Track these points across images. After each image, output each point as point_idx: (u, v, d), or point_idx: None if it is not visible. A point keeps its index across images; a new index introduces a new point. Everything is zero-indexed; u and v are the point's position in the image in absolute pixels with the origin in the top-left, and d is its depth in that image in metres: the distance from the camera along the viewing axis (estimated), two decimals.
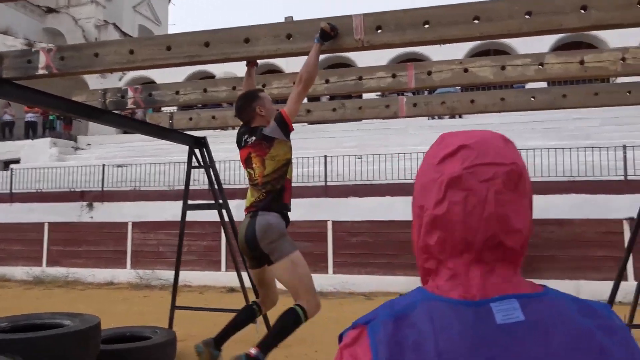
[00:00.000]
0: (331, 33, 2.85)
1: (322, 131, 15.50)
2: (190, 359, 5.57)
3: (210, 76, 19.09)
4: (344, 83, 4.07)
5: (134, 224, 12.40)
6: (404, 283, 10.63)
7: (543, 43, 14.46)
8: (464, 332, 0.70)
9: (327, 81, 4.13)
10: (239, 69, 18.61)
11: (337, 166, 12.89)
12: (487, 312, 0.72)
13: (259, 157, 3.22)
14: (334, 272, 11.10)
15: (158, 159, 15.12)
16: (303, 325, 7.60)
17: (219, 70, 18.52)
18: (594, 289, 9.63)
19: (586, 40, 17.57)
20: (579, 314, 0.73)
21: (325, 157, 12.87)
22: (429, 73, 3.88)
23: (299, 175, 12.83)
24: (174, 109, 11.39)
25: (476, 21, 2.70)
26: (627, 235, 9.84)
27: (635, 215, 9.64)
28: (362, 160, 13.06)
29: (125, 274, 12.12)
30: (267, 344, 3.23)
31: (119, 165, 14.98)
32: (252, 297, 7.06)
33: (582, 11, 2.56)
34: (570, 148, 11.75)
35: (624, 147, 11.04)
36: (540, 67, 3.68)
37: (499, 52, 17.63)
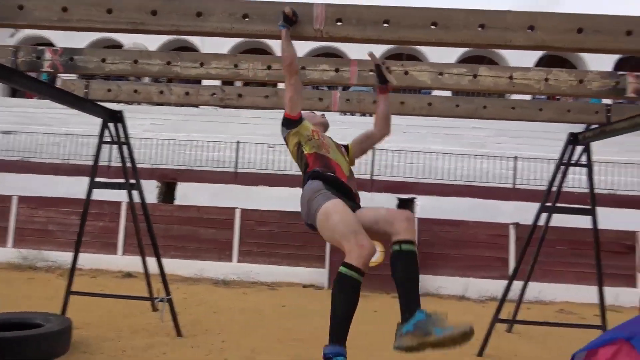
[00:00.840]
0: (293, 18, 2.78)
1: (237, 117, 15.19)
2: (85, 348, 5.20)
3: (117, 45, 17.83)
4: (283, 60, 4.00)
5: (20, 199, 11.26)
6: (307, 274, 10.79)
7: (450, 53, 15.36)
8: None
9: (269, 67, 4.04)
10: (151, 42, 17.53)
11: (249, 153, 12.71)
12: None
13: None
14: (239, 261, 10.95)
15: (51, 129, 13.86)
16: (208, 315, 7.43)
17: (127, 40, 17.36)
18: (481, 287, 10.48)
19: (488, 55, 18.96)
20: None
21: (238, 143, 12.63)
22: (372, 71, 3.95)
23: (209, 159, 12.48)
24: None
25: (433, 27, 2.79)
26: (512, 238, 10.83)
27: (520, 221, 10.68)
28: (274, 149, 12.99)
29: (6, 253, 10.98)
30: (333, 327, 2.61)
31: (5, 132, 13.50)
32: (155, 284, 6.78)
33: (530, 31, 2.75)
34: (468, 155, 12.63)
35: (515, 158, 12.10)
36: (473, 78, 3.90)
37: (411, 57, 18.43)
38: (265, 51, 18.28)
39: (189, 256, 10.92)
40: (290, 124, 3.19)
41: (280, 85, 5.99)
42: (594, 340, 0.87)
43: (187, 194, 12.00)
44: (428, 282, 10.60)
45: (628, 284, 10.69)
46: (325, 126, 3.50)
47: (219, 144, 13.00)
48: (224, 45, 17.53)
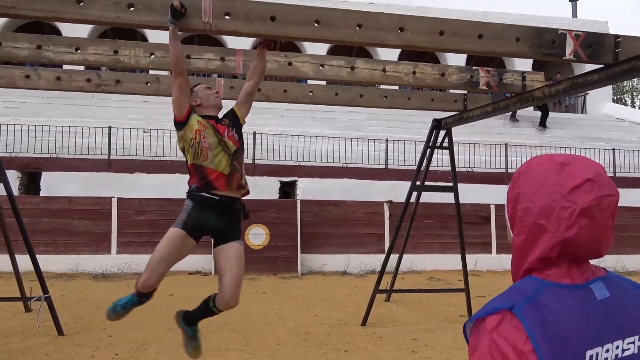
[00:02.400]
0: (182, 11, 2.80)
1: (106, 99, 14.23)
2: None
3: None
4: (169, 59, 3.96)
5: None
6: (194, 261, 10.67)
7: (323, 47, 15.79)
8: (581, 307, 0.94)
9: (151, 54, 3.96)
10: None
11: (123, 139, 12.07)
12: (589, 292, 0.96)
13: None
14: (119, 253, 10.47)
15: None
16: (90, 310, 7.08)
17: None
18: (361, 262, 11.21)
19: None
20: (632, 287, 1.02)
21: (110, 128, 11.93)
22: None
23: (77, 146, 11.64)
24: None
25: (316, 24, 3.00)
26: (387, 215, 11.69)
27: (393, 199, 11.55)
28: (149, 134, 12.49)
29: None
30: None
31: None
32: (27, 285, 6.29)
33: (400, 32, 3.07)
34: (344, 138, 13.27)
35: (387, 140, 12.97)
36: (351, 70, 4.20)
37: (292, 45, 18.64)
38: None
39: (61, 251, 10.19)
40: (177, 125, 3.28)
41: (163, 72, 5.87)
42: (481, 310, 0.98)
43: (54, 185, 11.11)
44: (312, 260, 11.09)
45: (485, 251, 12.15)
46: (218, 107, 3.57)
47: (88, 129, 12.17)
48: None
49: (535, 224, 0.99)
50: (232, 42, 14.87)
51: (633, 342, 0.94)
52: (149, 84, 4.86)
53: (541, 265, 1.00)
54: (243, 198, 3.51)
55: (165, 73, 5.05)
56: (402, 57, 16.72)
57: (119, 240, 10.57)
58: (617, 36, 3.43)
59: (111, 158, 11.74)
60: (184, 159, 12.48)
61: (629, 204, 12.95)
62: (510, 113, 16.81)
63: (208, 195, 3.33)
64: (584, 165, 1.00)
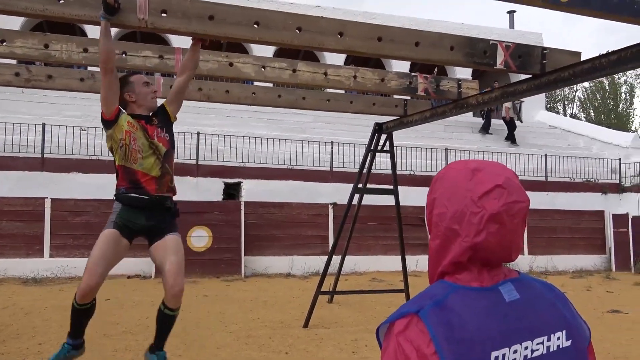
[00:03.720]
0: (115, 5, 2.71)
1: (40, 95, 13.54)
2: None
3: None
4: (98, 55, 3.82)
5: None
6: (132, 265, 10.33)
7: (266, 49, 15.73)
8: (489, 310, 0.95)
9: (85, 50, 3.81)
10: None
11: (58, 137, 11.52)
12: (498, 294, 0.98)
13: None
14: (52, 256, 9.98)
15: None
16: (19, 317, 6.72)
17: None
18: (305, 263, 11.24)
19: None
20: (543, 289, 1.04)
21: (44, 125, 11.35)
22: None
23: (8, 143, 11.02)
24: None
25: (256, 26, 2.99)
26: (331, 217, 11.78)
27: (337, 201, 11.66)
28: (87, 132, 11.99)
29: None
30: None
31: None
32: None
33: (339, 36, 3.11)
34: (290, 139, 13.27)
35: (332, 143, 13.08)
36: (293, 72, 4.21)
37: (235, 45, 18.42)
38: None
39: None
40: (106, 124, 3.18)
41: (92, 68, 5.65)
42: (393, 314, 1.00)
43: None
44: (256, 263, 11.01)
45: (425, 252, 12.46)
46: (151, 109, 3.47)
47: (19, 125, 11.53)
48: None
49: (448, 228, 1.01)
50: (178, 40, 14.54)
51: (542, 343, 0.96)
52: (83, 80, 4.68)
53: (453, 269, 1.02)
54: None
55: (97, 69, 4.87)
56: (347, 62, 16.91)
57: (53, 243, 10.08)
58: (544, 48, 3.63)
59: (45, 157, 11.18)
60: None
61: (560, 206, 13.70)
62: (481, 126, 17.43)
63: (137, 195, 3.27)
64: (495, 172, 1.02)
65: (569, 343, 0.99)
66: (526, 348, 0.95)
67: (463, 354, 0.90)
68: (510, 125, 16.61)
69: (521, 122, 18.11)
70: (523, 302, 0.99)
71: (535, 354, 0.95)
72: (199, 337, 5.86)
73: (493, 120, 18.71)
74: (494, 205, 0.97)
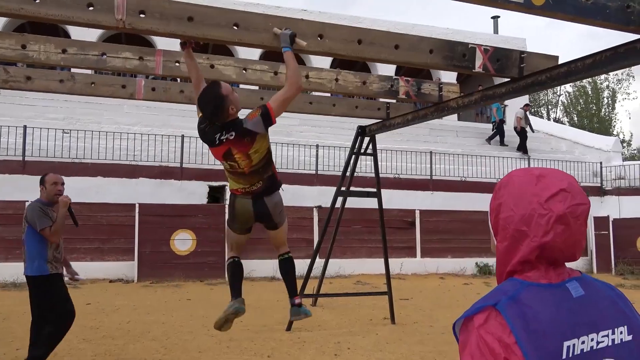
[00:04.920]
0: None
1: (22, 97, 13.35)
2: None
3: None
4: (84, 57, 3.79)
5: None
6: (115, 269, 10.23)
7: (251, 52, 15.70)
8: (558, 304, 1.04)
9: (64, 51, 3.77)
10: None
11: (40, 140, 11.37)
12: (565, 290, 1.07)
13: (242, 152, 3.21)
14: None
15: None
16: (2, 322, 6.58)
17: None
18: None
19: None
20: (604, 288, 1.13)
21: (25, 127, 11.20)
22: (177, 62, 3.98)
23: None
24: None
25: (236, 27, 2.98)
26: (316, 220, 11.77)
27: (322, 204, 11.66)
28: (69, 135, 11.85)
29: None
30: (296, 289, 3.92)
31: None
32: None
33: (319, 39, 3.12)
34: (275, 143, 13.24)
35: (317, 146, 13.09)
36: (274, 74, 4.21)
37: (219, 47, 18.33)
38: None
39: None
40: (269, 127, 3.28)
41: (75, 70, 5.60)
42: (469, 309, 1.06)
43: None
44: None
45: (409, 255, 12.54)
46: None
47: (0, 128, 11.36)
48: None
49: (516, 230, 1.09)
50: (162, 42, 14.45)
51: (607, 336, 1.05)
52: (63, 82, 4.62)
53: (522, 268, 1.10)
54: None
55: (80, 71, 4.83)
56: (333, 66, 16.96)
57: None
58: (521, 52, 3.68)
59: (26, 159, 11.02)
60: (107, 161, 11.94)
61: None
62: (490, 137, 17.30)
63: None
64: (558, 177, 1.12)
65: (630, 337, 1.08)
66: (592, 340, 1.03)
67: (539, 344, 0.99)
68: (522, 135, 16.50)
69: (532, 131, 17.68)
70: (588, 298, 1.07)
71: (601, 345, 1.04)
72: (180, 340, 5.81)
73: (478, 125, 18.88)
74: (560, 208, 1.07)
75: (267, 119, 3.17)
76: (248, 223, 3.73)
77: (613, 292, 1.13)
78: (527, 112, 17.29)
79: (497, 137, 17.14)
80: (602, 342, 1.04)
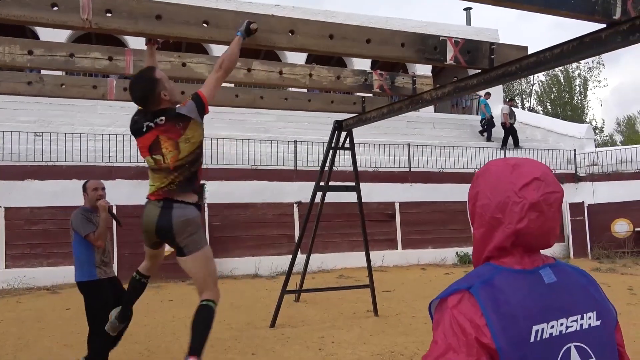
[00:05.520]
0: (253, 31, 2.97)
1: None
2: None
3: None
4: (51, 58, 3.70)
5: None
6: None
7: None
8: (530, 289, 1.09)
9: (30, 52, 3.68)
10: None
11: (11, 143, 11.11)
12: (538, 276, 1.11)
13: (170, 140, 2.96)
14: (7, 267, 9.63)
15: None
16: None
17: None
18: (272, 263, 11.19)
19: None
20: (576, 274, 1.18)
21: None
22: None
23: None
24: None
25: (205, 25, 2.95)
26: (296, 216, 11.77)
27: (302, 200, 11.66)
28: (42, 138, 11.61)
29: None
30: (199, 347, 3.03)
31: None
32: None
33: (291, 34, 3.11)
34: (253, 140, 13.18)
35: (295, 141, 13.06)
36: (248, 71, 4.18)
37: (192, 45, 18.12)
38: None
39: None
40: (203, 115, 3.09)
41: (44, 71, 5.47)
42: (444, 291, 1.11)
43: None
44: (222, 265, 10.89)
45: (391, 247, 12.63)
46: None
47: None
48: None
49: (492, 217, 1.14)
50: (135, 41, 14.21)
51: (575, 321, 1.10)
52: (31, 84, 4.52)
53: (497, 254, 1.15)
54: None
55: (49, 72, 4.73)
56: (309, 61, 16.91)
57: (8, 253, 9.73)
58: (492, 44, 3.72)
59: None
60: (81, 163, 11.67)
61: None
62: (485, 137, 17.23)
63: None
64: (533, 166, 1.16)
65: (598, 322, 1.12)
66: (562, 324, 1.08)
67: (508, 326, 1.04)
68: (511, 131, 16.47)
69: (513, 123, 17.71)
70: (560, 284, 1.12)
71: (570, 330, 1.08)
72: (163, 342, 5.77)
73: (455, 117, 19.08)
74: (534, 196, 1.11)
75: (200, 103, 2.98)
76: (150, 239, 3.26)
77: (585, 279, 1.18)
78: (512, 107, 17.25)
79: (489, 133, 17.02)
80: (571, 326, 1.09)
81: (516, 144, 16.32)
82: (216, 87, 3.07)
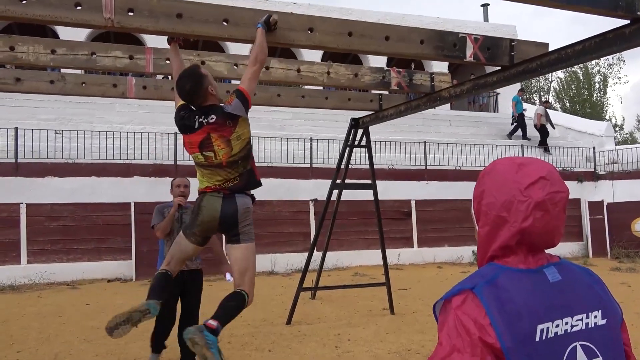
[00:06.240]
0: (273, 27, 3.00)
1: (12, 99, 13.25)
2: None
3: None
4: (73, 57, 3.76)
5: None
6: (112, 268, 10.22)
7: (242, 47, 15.61)
8: (534, 288, 1.08)
9: (53, 51, 3.74)
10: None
11: (32, 141, 11.31)
12: (543, 275, 1.11)
13: (222, 137, 3.00)
14: (29, 262, 9.81)
15: None
16: (1, 325, 6.60)
17: None
18: (287, 260, 11.24)
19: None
20: (582, 273, 1.17)
21: (17, 129, 11.13)
22: (168, 60, 3.96)
23: None
24: None
25: (225, 23, 2.97)
26: (312, 213, 11.79)
27: (318, 197, 11.68)
28: (62, 135, 11.79)
29: None
30: (224, 318, 3.05)
31: None
32: None
33: (310, 32, 3.11)
34: (269, 137, 13.22)
35: (311, 139, 13.08)
36: (266, 69, 4.20)
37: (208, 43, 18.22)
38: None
39: None
40: (248, 110, 3.11)
41: (66, 70, 5.56)
42: (448, 292, 1.11)
43: None
44: None
45: (406, 245, 12.58)
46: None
47: None
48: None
49: (497, 216, 1.13)
50: (152, 40, 14.35)
51: (581, 320, 1.09)
52: (53, 83, 4.59)
53: (502, 253, 1.14)
54: None
55: (69, 71, 4.80)
56: (325, 59, 16.91)
57: (30, 249, 9.91)
58: (511, 40, 3.68)
59: (19, 161, 10.95)
60: (100, 161, 11.83)
61: None
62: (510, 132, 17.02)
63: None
64: (539, 166, 1.16)
65: (604, 321, 1.11)
66: (567, 323, 1.07)
67: (513, 325, 1.03)
68: (543, 132, 16.13)
69: (553, 128, 17.09)
70: (564, 283, 1.11)
71: (575, 329, 1.08)
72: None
73: (472, 114, 18.90)
74: (539, 195, 1.10)
75: (244, 99, 3.02)
76: (209, 229, 3.23)
77: (590, 278, 1.17)
78: (547, 109, 16.91)
79: (519, 132, 16.66)
80: (577, 325, 1.08)
81: (545, 147, 16.02)
82: (255, 80, 3.09)
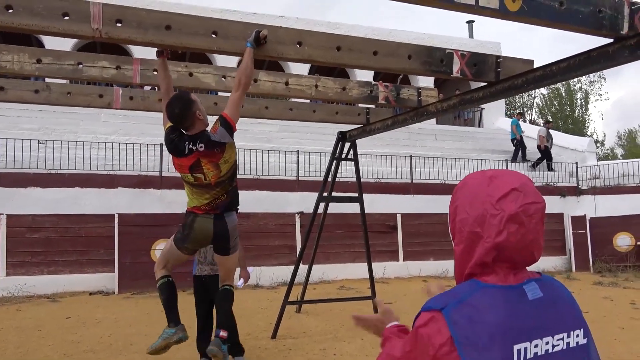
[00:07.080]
0: (262, 41, 3.01)
1: None
2: None
3: None
4: (59, 66, 3.72)
5: None
6: (94, 281, 10.04)
7: (230, 59, 15.61)
8: (512, 306, 1.02)
9: (38, 61, 3.70)
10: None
11: (14, 150, 11.13)
12: (522, 292, 1.05)
13: (212, 162, 3.24)
14: (8, 274, 9.60)
15: None
16: None
17: None
18: (273, 274, 11.15)
19: None
20: (561, 288, 1.13)
21: None
22: (155, 70, 3.94)
23: None
24: None
25: (214, 36, 2.97)
26: (298, 226, 11.75)
27: (304, 210, 11.64)
28: (45, 145, 11.63)
29: None
30: (225, 321, 3.71)
31: None
32: None
33: (298, 46, 3.12)
34: (255, 149, 13.20)
35: (298, 152, 13.08)
36: (254, 82, 4.20)
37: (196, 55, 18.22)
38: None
39: None
40: (233, 134, 3.32)
41: (50, 80, 5.49)
42: (424, 304, 1.09)
43: None
44: None
45: (392, 259, 12.58)
46: None
47: None
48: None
49: (471, 232, 1.09)
50: (139, 50, 14.29)
51: (562, 339, 1.04)
52: (38, 92, 4.53)
53: (480, 270, 1.10)
54: None
55: (55, 80, 4.75)
56: (312, 72, 17.01)
57: (9, 260, 9.70)
58: (497, 57, 3.74)
59: (0, 171, 10.77)
60: (84, 171, 11.69)
61: None
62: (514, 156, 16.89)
63: None
64: (511, 177, 1.12)
65: (585, 341, 1.07)
66: (547, 343, 1.02)
67: (484, 348, 0.98)
68: (546, 154, 16.19)
69: (550, 147, 16.88)
70: (545, 300, 1.06)
71: (556, 349, 1.03)
72: (164, 353, 5.72)
73: (457, 129, 19.08)
74: (512, 207, 1.05)
75: (228, 127, 3.24)
76: (202, 245, 3.62)
77: (570, 294, 1.13)
78: (549, 130, 16.81)
79: (517, 152, 16.69)
80: (558, 345, 1.03)
81: (549, 167, 16.09)
82: (238, 105, 3.29)
